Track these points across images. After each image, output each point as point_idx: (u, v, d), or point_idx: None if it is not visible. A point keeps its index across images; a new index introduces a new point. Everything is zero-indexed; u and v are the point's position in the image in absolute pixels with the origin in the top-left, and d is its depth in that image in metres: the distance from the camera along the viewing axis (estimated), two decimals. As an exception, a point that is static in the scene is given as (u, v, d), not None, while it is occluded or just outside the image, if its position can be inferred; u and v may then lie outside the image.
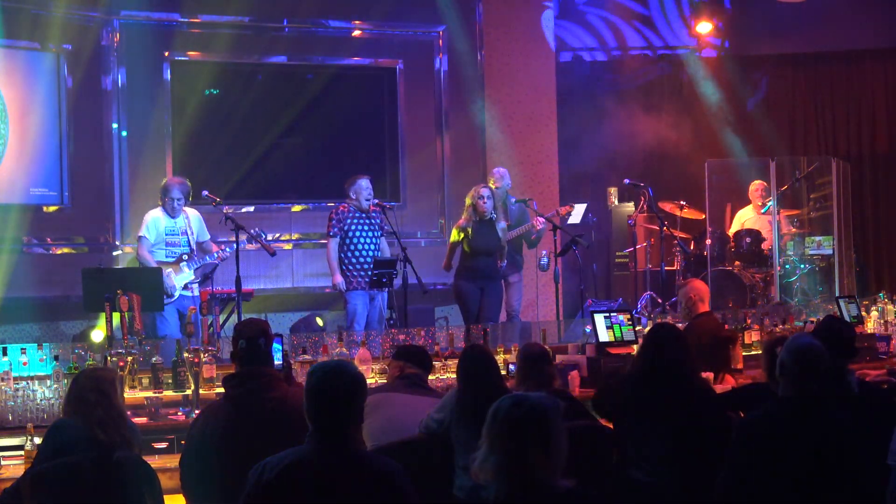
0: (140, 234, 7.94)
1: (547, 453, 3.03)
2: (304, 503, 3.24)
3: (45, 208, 9.68)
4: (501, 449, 3.04)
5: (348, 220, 8.18)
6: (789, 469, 3.90)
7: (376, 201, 8.26)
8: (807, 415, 3.97)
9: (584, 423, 4.70)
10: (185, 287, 7.84)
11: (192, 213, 8.07)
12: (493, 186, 8.77)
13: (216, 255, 7.99)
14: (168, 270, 7.74)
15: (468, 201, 8.51)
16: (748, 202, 11.16)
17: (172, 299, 7.74)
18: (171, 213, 7.93)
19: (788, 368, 4.04)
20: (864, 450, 3.99)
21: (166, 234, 7.91)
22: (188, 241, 7.96)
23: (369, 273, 8.07)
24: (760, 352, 5.62)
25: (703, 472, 4.31)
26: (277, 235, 10.29)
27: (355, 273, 8.15)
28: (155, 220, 7.92)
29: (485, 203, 8.39)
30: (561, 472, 3.06)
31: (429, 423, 4.65)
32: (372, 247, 8.19)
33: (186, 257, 7.88)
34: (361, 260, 8.15)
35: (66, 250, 9.76)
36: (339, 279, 8.17)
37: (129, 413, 4.43)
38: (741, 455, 4.00)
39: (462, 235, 8.48)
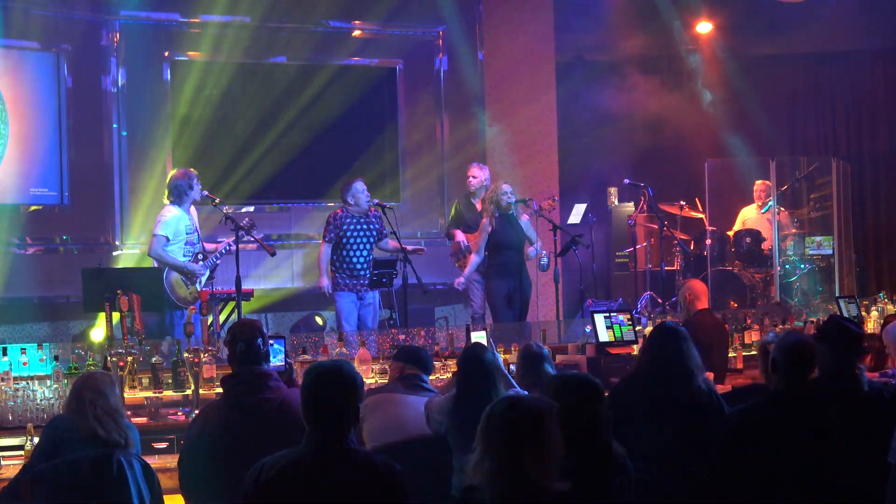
0: (158, 232, 7.37)
1: (541, 456, 3.02)
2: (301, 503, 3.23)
3: (45, 208, 9.68)
4: (496, 452, 3.03)
5: (344, 227, 8.15)
6: (779, 464, 3.90)
7: (376, 201, 8.26)
8: (796, 410, 3.97)
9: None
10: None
11: (192, 209, 7.78)
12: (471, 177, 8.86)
13: (224, 250, 7.69)
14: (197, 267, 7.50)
15: (489, 198, 8.46)
16: (749, 202, 11.17)
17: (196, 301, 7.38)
18: (195, 198, 7.52)
19: (779, 364, 4.05)
20: (856, 448, 3.99)
21: (187, 234, 7.49)
22: (199, 238, 7.66)
23: (355, 275, 8.08)
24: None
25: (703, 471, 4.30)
26: (278, 235, 10.28)
27: (344, 275, 8.14)
28: (176, 219, 7.42)
29: (508, 198, 8.38)
30: (556, 475, 3.05)
31: (437, 427, 4.61)
32: (364, 251, 8.17)
33: (202, 257, 7.60)
34: (350, 261, 8.13)
35: (66, 250, 9.76)
36: (325, 282, 8.17)
37: (128, 413, 4.43)
38: (730, 448, 4.00)
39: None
